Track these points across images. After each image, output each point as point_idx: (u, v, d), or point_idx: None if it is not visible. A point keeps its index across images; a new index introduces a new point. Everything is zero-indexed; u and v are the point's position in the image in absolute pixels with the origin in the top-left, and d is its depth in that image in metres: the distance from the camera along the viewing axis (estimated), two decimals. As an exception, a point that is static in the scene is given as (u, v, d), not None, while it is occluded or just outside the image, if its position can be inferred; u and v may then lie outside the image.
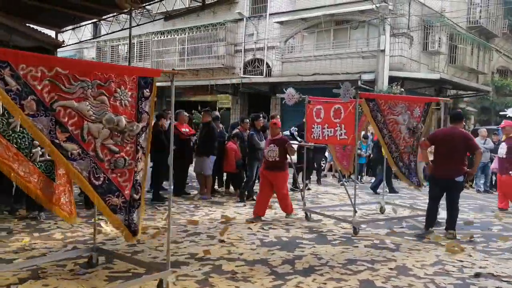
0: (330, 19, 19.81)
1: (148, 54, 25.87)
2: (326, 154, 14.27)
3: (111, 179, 4.02)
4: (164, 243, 6.16)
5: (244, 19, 22.49)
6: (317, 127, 7.85)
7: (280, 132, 8.21)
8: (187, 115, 10.59)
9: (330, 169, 15.46)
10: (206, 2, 14.91)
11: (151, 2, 14.20)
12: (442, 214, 7.55)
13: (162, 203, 9.09)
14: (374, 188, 11.45)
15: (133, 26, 17.07)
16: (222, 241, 6.32)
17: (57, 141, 3.65)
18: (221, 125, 11.01)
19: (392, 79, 17.61)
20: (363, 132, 13.00)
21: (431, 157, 7.46)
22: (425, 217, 7.33)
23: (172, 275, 4.72)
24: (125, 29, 17.83)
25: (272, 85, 21.51)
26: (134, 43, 24.56)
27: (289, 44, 21.59)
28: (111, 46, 27.89)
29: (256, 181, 9.80)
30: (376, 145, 12.00)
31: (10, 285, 4.39)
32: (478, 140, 10.95)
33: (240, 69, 22.78)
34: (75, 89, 3.71)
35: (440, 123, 20.70)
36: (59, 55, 13.24)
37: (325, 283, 4.75)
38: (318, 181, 13.00)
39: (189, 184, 10.43)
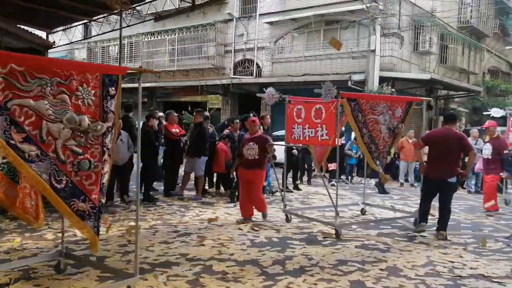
0: (320, 19, 19.78)
1: (138, 55, 25.81)
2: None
3: (75, 182, 3.76)
4: (155, 243, 6.14)
5: (234, 19, 22.43)
6: (297, 128, 7.70)
7: (259, 130, 8.06)
8: (177, 115, 10.56)
9: (321, 169, 15.42)
10: (196, 3, 14.87)
11: (142, 3, 14.12)
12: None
13: (153, 204, 9.05)
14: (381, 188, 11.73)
15: (124, 27, 17.03)
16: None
17: (12, 142, 3.40)
18: (211, 128, 10.94)
19: (382, 80, 17.59)
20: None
21: (425, 158, 7.45)
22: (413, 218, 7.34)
23: (163, 275, 4.70)
24: (115, 30, 17.74)
25: (262, 86, 21.28)
26: (124, 44, 24.48)
27: (279, 45, 21.53)
28: (102, 47, 27.80)
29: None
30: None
31: (1, 286, 4.34)
32: (469, 141, 10.94)
33: (230, 70, 22.73)
34: (32, 87, 3.47)
35: (431, 123, 20.75)
36: (50, 56, 13.12)
37: (316, 284, 4.71)
38: (309, 182, 13.00)
39: (179, 184, 10.38)
